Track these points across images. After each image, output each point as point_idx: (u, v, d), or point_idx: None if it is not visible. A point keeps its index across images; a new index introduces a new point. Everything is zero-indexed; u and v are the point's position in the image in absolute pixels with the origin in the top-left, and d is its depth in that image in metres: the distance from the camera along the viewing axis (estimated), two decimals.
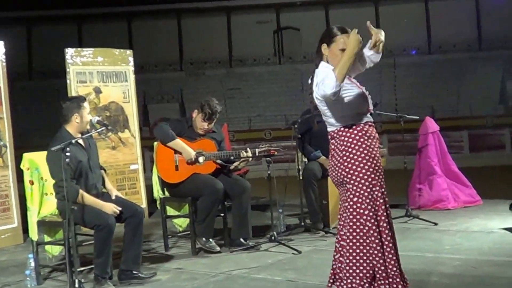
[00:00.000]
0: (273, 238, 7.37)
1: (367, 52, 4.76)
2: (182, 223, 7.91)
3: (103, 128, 6.21)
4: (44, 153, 6.21)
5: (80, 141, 6.15)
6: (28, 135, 25.87)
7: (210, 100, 7.37)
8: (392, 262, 4.58)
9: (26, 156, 6.48)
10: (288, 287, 5.89)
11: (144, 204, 9.91)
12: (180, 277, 6.42)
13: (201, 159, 7.26)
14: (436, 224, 8.17)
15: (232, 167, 7.45)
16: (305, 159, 8.58)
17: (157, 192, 7.64)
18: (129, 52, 10.20)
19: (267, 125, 26.05)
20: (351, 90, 4.59)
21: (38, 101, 27.44)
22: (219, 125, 7.86)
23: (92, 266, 6.10)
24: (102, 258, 5.91)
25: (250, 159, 7.35)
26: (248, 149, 7.31)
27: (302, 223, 8.22)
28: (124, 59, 9.96)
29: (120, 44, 29.95)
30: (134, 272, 6.16)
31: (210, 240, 7.30)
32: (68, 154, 5.56)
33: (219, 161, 7.35)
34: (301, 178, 8.26)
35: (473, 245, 7.05)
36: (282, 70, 30.44)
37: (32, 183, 6.37)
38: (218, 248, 7.29)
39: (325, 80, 4.37)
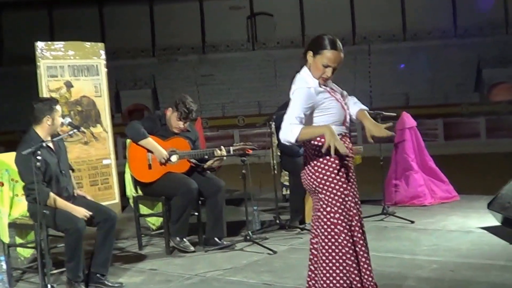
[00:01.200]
0: (248, 237, 7.29)
1: (352, 110, 4.67)
2: (155, 221, 7.80)
3: (74, 130, 6.08)
4: (13, 154, 6.05)
5: (50, 144, 6.02)
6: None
7: (184, 99, 7.25)
8: (368, 273, 4.52)
9: None
10: None
11: (117, 199, 9.81)
12: (154, 278, 6.33)
13: (174, 157, 7.15)
14: (413, 222, 8.09)
15: (206, 165, 7.35)
16: (279, 152, 8.46)
17: (130, 191, 7.52)
18: (100, 45, 10.02)
19: (241, 111, 26.01)
20: (329, 102, 4.47)
21: (9, 87, 27.13)
22: (192, 122, 7.73)
23: (64, 268, 6.01)
24: (73, 262, 5.82)
25: (225, 157, 7.25)
26: (222, 147, 7.20)
27: (277, 220, 8.13)
28: (96, 52, 9.79)
29: (92, 30, 29.85)
30: (101, 276, 6.06)
31: (184, 239, 7.22)
32: (39, 157, 5.45)
33: (193, 160, 7.25)
34: (275, 172, 8.18)
35: (451, 245, 7.00)
36: (256, 56, 30.38)
37: (2, 184, 6.22)
38: (192, 248, 7.21)
39: (291, 128, 4.29)
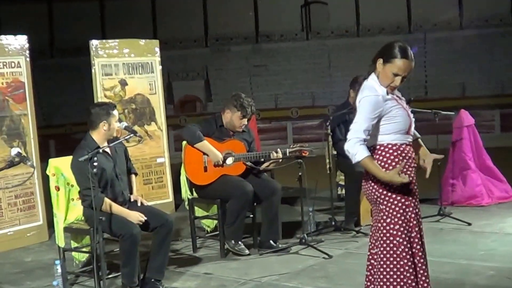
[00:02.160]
0: (303, 240, 7.20)
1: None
2: (210, 223, 7.75)
3: (131, 135, 6.05)
4: (69, 158, 6.06)
5: (106, 149, 6.00)
6: (51, 114, 25.90)
7: (240, 96, 7.25)
8: (425, 285, 4.47)
9: (52, 162, 6.33)
10: None
11: (170, 198, 9.80)
12: (209, 283, 6.31)
13: (229, 160, 7.10)
14: (470, 224, 7.93)
15: (262, 167, 7.27)
16: (335, 152, 8.33)
17: (185, 193, 7.49)
18: (155, 41, 10.02)
19: (294, 103, 25.85)
20: (396, 110, 4.42)
21: (60, 79, 27.36)
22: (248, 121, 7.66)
23: (119, 273, 6.02)
24: (128, 267, 5.83)
25: (280, 160, 7.16)
26: (278, 149, 7.12)
27: (333, 222, 8.02)
28: (151, 50, 9.77)
29: (144, 20, 29.94)
30: (156, 282, 6.04)
31: (239, 242, 7.17)
32: (95, 163, 5.46)
33: (248, 163, 7.18)
34: (329, 171, 8.08)
35: (508, 250, 6.84)
36: (310, 46, 30.09)
37: (58, 189, 6.24)
38: (247, 251, 7.15)
39: (357, 149, 4.36)
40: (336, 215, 8.24)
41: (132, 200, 6.24)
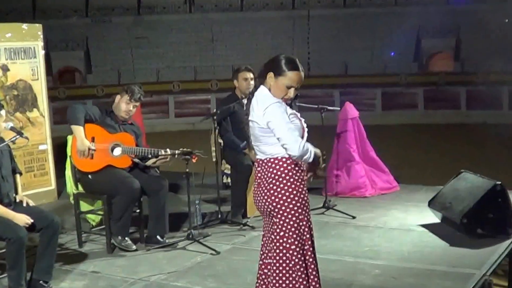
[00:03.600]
0: (190, 236, 7.23)
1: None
2: (95, 217, 7.69)
3: (17, 136, 5.91)
4: None
5: None
6: None
7: (131, 85, 7.28)
8: None
9: None
10: None
11: (53, 185, 9.62)
12: (97, 283, 6.24)
13: (117, 151, 7.06)
14: (354, 217, 8.16)
15: (148, 163, 7.25)
16: (220, 140, 8.39)
17: (71, 188, 7.38)
18: (38, 26, 9.72)
19: (176, 77, 25.68)
20: (294, 120, 4.51)
21: None
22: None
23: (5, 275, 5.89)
24: (15, 270, 5.69)
25: (168, 158, 7.16)
26: (168, 149, 7.11)
27: (219, 215, 8.10)
28: (33, 34, 9.48)
29: None
30: (44, 283, 5.96)
31: (126, 238, 7.15)
32: None
33: (136, 160, 7.15)
34: (214, 159, 8.20)
35: (393, 247, 7.07)
36: (193, 19, 29.85)
37: None
38: (134, 247, 7.13)
39: (304, 144, 4.39)
40: (222, 205, 8.30)
41: (17, 200, 6.10)
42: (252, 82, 8.12)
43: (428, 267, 6.36)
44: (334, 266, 6.43)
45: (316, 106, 8.29)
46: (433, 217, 7.85)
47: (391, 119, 22.19)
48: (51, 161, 9.57)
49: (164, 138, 19.95)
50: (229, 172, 8.88)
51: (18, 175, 6.33)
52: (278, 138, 4.41)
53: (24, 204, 6.06)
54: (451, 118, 21.98)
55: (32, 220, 5.77)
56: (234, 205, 8.21)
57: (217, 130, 8.12)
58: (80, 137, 6.97)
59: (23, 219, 5.73)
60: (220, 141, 8.38)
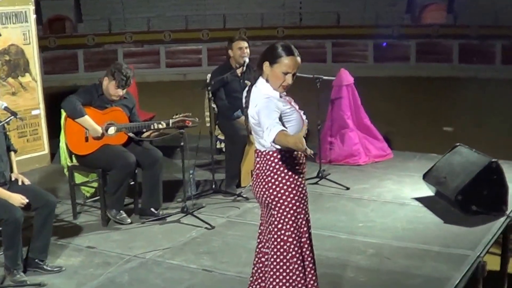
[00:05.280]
0: (185, 209, 7.25)
1: None
2: (89, 189, 7.68)
3: (11, 117, 5.85)
4: None
5: None
6: None
7: (119, 66, 7.10)
8: (316, 285, 4.64)
9: None
10: (205, 279, 5.83)
11: (46, 150, 9.59)
12: (93, 260, 6.25)
13: (111, 130, 7.03)
14: (348, 188, 8.17)
15: (143, 137, 7.22)
16: (214, 105, 8.34)
17: (65, 160, 7.36)
18: None
19: (167, 26, 25.38)
20: (290, 115, 4.44)
21: None
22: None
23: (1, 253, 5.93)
24: (12, 250, 5.70)
25: (162, 130, 7.15)
26: (162, 122, 7.07)
27: (213, 185, 8.11)
28: None
29: None
30: (40, 262, 5.98)
31: (121, 211, 7.17)
32: None
33: (130, 134, 7.12)
34: (207, 124, 8.22)
35: (387, 223, 7.08)
36: None
37: None
38: (129, 220, 7.16)
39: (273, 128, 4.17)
40: (216, 172, 8.31)
41: (13, 179, 6.07)
42: (247, 51, 8.09)
43: (422, 246, 6.40)
44: (328, 243, 6.46)
45: (312, 76, 8.22)
46: (427, 190, 7.88)
47: (383, 72, 22.10)
48: (44, 126, 9.52)
49: (155, 88, 19.99)
50: (222, 138, 8.85)
51: (13, 153, 6.28)
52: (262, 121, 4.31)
53: (20, 183, 6.02)
54: (443, 72, 21.88)
55: (27, 200, 5.75)
56: (228, 176, 8.22)
57: (210, 94, 8.08)
58: (90, 126, 6.96)
59: (18, 199, 5.71)
60: (214, 105, 8.33)
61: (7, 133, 6.29)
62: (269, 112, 4.28)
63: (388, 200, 7.85)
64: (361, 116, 9.46)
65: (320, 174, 8.45)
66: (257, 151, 4.61)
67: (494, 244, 6.64)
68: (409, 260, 6.09)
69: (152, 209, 7.28)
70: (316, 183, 8.35)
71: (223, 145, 8.93)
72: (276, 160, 4.47)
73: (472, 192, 7.04)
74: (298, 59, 4.43)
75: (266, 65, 4.45)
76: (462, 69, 21.92)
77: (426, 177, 7.85)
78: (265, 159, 4.52)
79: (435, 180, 7.65)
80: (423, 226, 6.98)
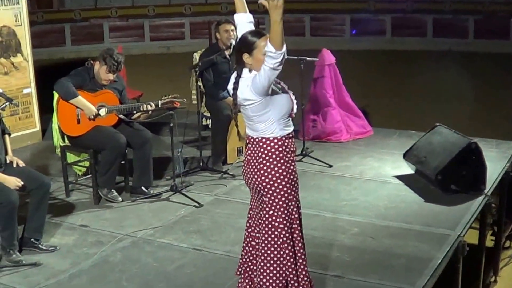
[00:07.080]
0: (174, 188, 7.47)
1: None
2: (81, 168, 7.87)
3: (7, 103, 6.02)
4: None
5: None
6: None
7: (111, 51, 7.27)
8: (304, 272, 4.77)
9: None
10: (196, 258, 6.03)
11: (37, 127, 9.79)
12: (87, 239, 6.44)
13: (103, 111, 7.21)
14: (331, 166, 8.38)
15: (133, 118, 7.43)
16: (200, 83, 8.53)
17: (57, 140, 7.55)
18: None
19: (151, 1, 25.35)
20: (278, 93, 4.56)
21: None
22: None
23: None
24: (8, 231, 5.86)
25: (151, 112, 7.36)
26: (151, 103, 7.27)
27: (201, 163, 8.34)
28: None
29: None
30: (35, 241, 6.16)
31: (112, 190, 7.38)
32: None
33: (121, 116, 7.31)
34: (194, 102, 8.56)
35: (370, 201, 7.28)
36: None
37: None
38: (120, 199, 7.37)
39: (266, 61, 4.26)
40: (203, 149, 8.53)
41: (8, 161, 6.24)
42: (233, 33, 8.25)
43: (404, 225, 6.60)
44: (314, 222, 6.64)
45: (296, 58, 8.42)
46: (408, 168, 8.10)
47: (361, 45, 22.32)
48: (35, 103, 9.70)
49: (140, 60, 20.14)
50: (208, 115, 9.03)
51: (7, 136, 6.43)
52: (262, 71, 4.35)
53: (14, 165, 6.19)
54: (418, 45, 22.18)
55: (22, 183, 5.91)
56: (214, 154, 8.44)
57: (197, 73, 8.28)
58: (84, 105, 7.14)
59: (14, 182, 5.85)
60: (200, 84, 8.52)
61: (2, 118, 6.44)
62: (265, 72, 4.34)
63: (370, 178, 8.05)
64: (343, 95, 9.66)
65: (303, 152, 8.67)
66: (249, 137, 4.71)
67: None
68: (392, 239, 6.30)
69: (143, 188, 7.50)
70: (300, 160, 8.52)
71: (208, 121, 9.13)
72: (268, 148, 4.59)
73: (452, 172, 7.26)
74: (268, 35, 4.38)
75: (246, 56, 4.53)
76: (436, 43, 22.20)
77: (406, 155, 8.08)
78: (257, 146, 4.64)
79: (416, 159, 7.88)
80: (404, 204, 7.18)
